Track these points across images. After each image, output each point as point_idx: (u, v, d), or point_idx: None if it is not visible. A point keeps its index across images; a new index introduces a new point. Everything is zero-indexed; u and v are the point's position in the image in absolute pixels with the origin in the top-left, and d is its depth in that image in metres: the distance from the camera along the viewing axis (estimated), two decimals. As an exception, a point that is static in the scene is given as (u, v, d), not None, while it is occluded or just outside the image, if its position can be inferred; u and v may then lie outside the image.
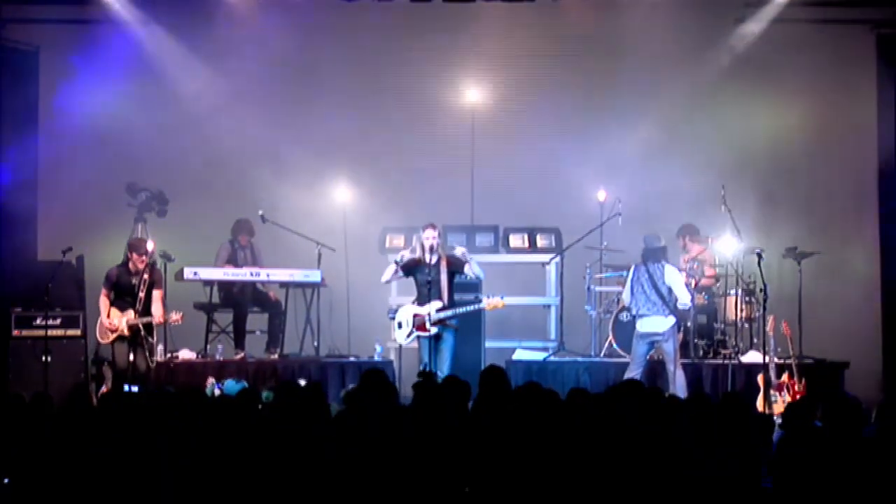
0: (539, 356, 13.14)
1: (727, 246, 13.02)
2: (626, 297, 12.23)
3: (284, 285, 13.34)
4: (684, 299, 11.94)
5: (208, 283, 13.20)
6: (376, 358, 12.92)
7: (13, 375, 12.99)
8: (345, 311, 13.86)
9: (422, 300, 11.91)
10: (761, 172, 14.85)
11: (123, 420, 6.85)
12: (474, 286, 12.54)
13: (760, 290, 12.41)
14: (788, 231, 14.22)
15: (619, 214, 13.37)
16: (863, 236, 14.78)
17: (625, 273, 12.58)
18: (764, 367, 12.04)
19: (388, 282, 12.30)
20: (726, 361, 12.61)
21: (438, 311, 11.79)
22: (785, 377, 11.99)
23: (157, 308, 12.21)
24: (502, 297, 11.95)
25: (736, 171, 14.32)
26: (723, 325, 13.28)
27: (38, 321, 13.02)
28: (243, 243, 13.50)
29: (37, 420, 6.94)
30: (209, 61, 14.73)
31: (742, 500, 5.86)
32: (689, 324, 12.79)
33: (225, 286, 13.29)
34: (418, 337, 11.87)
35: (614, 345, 13.09)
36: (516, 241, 13.91)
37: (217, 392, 11.74)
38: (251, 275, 13.21)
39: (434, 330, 11.77)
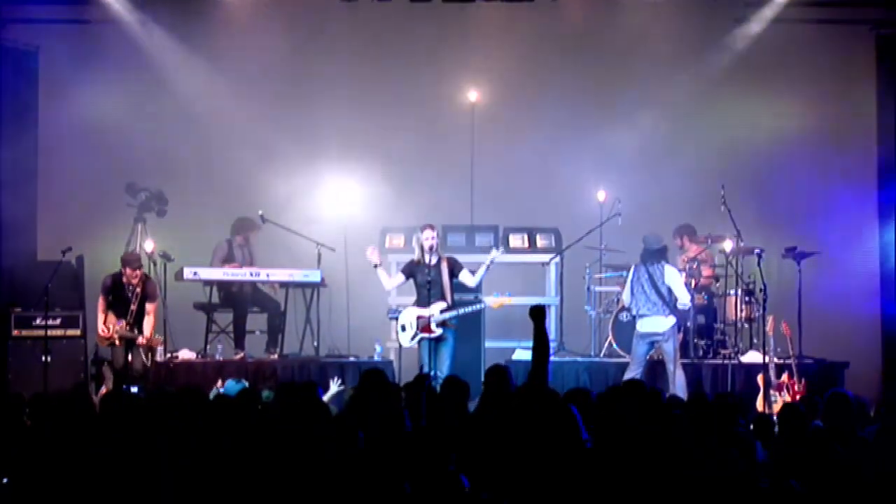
0: (539, 356, 13.11)
1: (726, 246, 13.02)
2: (626, 297, 12.23)
3: (284, 285, 13.33)
4: (684, 299, 11.94)
5: (208, 283, 13.20)
6: (376, 358, 12.92)
7: (13, 375, 13.01)
8: (344, 311, 13.85)
9: (422, 301, 11.89)
10: (761, 172, 14.84)
11: (124, 420, 6.85)
12: (479, 284, 12.50)
13: (760, 290, 12.44)
14: (788, 231, 14.22)
15: (619, 214, 13.37)
16: (862, 236, 14.77)
17: (624, 273, 12.59)
18: (764, 367, 12.06)
19: (393, 288, 12.27)
20: (726, 361, 12.61)
21: (443, 311, 11.78)
22: (785, 377, 12.00)
23: (147, 323, 12.39)
24: (509, 295, 11.95)
25: (735, 170, 14.31)
26: (723, 325, 13.29)
27: (38, 321, 13.03)
28: (240, 242, 13.51)
29: (37, 420, 6.94)
30: (208, 61, 14.73)
31: (741, 500, 5.86)
32: (688, 324, 12.80)
33: (224, 286, 13.28)
34: (421, 339, 11.87)
35: (614, 345, 13.10)
36: (516, 241, 13.89)
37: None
38: (251, 275, 13.20)
39: (439, 332, 11.77)
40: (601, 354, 13.29)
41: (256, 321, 13.53)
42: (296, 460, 6.23)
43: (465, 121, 14.95)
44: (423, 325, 11.81)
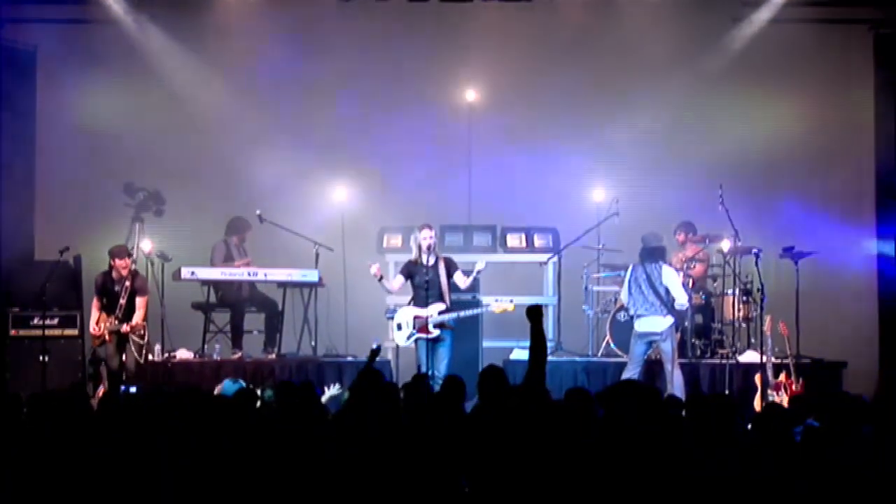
0: (537, 356, 13.11)
1: (724, 245, 13.02)
2: (623, 296, 12.23)
3: (282, 285, 13.32)
4: (682, 299, 11.94)
5: (206, 282, 13.20)
6: (374, 358, 12.90)
7: (11, 375, 12.99)
8: (342, 310, 13.86)
9: (419, 302, 11.88)
10: (759, 172, 14.84)
11: (123, 420, 6.85)
12: (472, 286, 12.51)
13: (758, 290, 12.46)
14: (786, 230, 14.23)
15: (617, 214, 13.39)
16: (860, 235, 14.78)
17: (622, 273, 12.59)
18: (761, 367, 12.06)
19: (397, 290, 12.23)
20: (724, 361, 12.61)
21: (441, 313, 11.78)
22: (782, 377, 12.00)
23: (137, 315, 12.32)
24: (511, 301, 11.96)
25: (733, 170, 14.31)
26: (720, 325, 13.30)
27: (36, 321, 13.03)
28: (236, 242, 13.50)
29: (35, 419, 6.93)
30: (206, 61, 14.73)
31: (741, 500, 5.87)
32: (686, 323, 12.80)
33: (222, 286, 13.28)
34: (417, 339, 11.87)
35: (612, 344, 13.10)
36: (514, 240, 13.89)
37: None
38: (249, 275, 13.20)
39: (436, 332, 11.77)
40: (599, 354, 13.29)
41: (254, 321, 13.53)
42: (294, 460, 6.23)
43: (463, 120, 14.96)
44: (421, 326, 11.81)
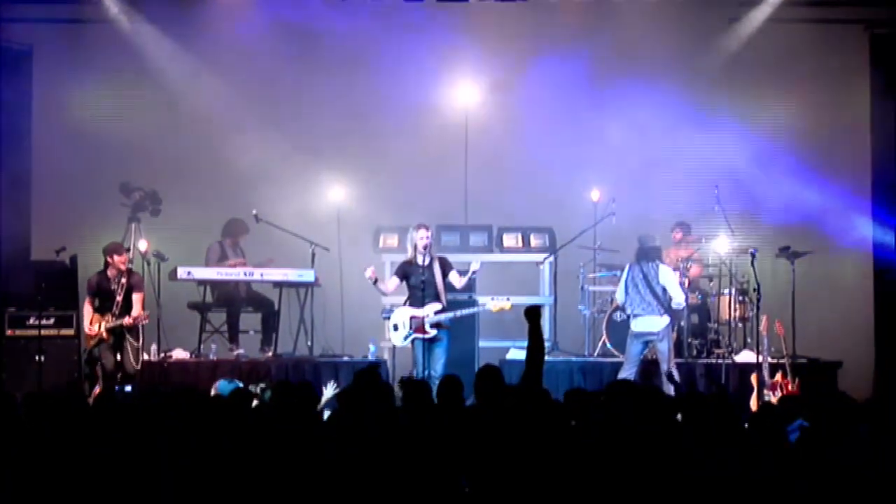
0: (533, 356, 13.10)
1: (721, 245, 13.03)
2: (620, 296, 12.23)
3: (278, 285, 13.31)
4: (678, 299, 11.95)
5: (202, 282, 13.19)
6: (370, 358, 12.91)
7: (7, 375, 12.98)
8: (338, 310, 13.85)
9: (415, 301, 11.87)
10: (755, 171, 14.84)
11: (122, 420, 6.84)
12: (468, 286, 12.51)
13: (754, 290, 12.47)
14: (782, 230, 14.24)
15: (613, 214, 13.40)
16: (856, 235, 14.79)
17: (618, 273, 12.59)
18: (757, 367, 12.07)
19: (392, 291, 12.22)
20: (720, 361, 12.63)
21: (437, 313, 11.77)
22: (778, 377, 12.01)
23: (135, 310, 12.30)
24: (508, 299, 11.96)
25: (730, 170, 14.32)
26: (716, 325, 13.31)
27: (32, 321, 13.03)
28: (230, 244, 13.49)
29: (31, 419, 6.93)
30: (203, 61, 14.71)
31: (740, 500, 5.86)
32: (682, 323, 12.81)
33: (218, 286, 13.27)
34: (414, 339, 11.86)
35: (608, 344, 13.11)
36: (510, 240, 13.90)
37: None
38: (245, 274, 13.19)
39: (433, 332, 11.76)
40: (595, 354, 13.29)
41: (250, 321, 13.52)
42: (293, 460, 6.22)
43: (459, 120, 14.96)
44: (418, 326, 11.80)
